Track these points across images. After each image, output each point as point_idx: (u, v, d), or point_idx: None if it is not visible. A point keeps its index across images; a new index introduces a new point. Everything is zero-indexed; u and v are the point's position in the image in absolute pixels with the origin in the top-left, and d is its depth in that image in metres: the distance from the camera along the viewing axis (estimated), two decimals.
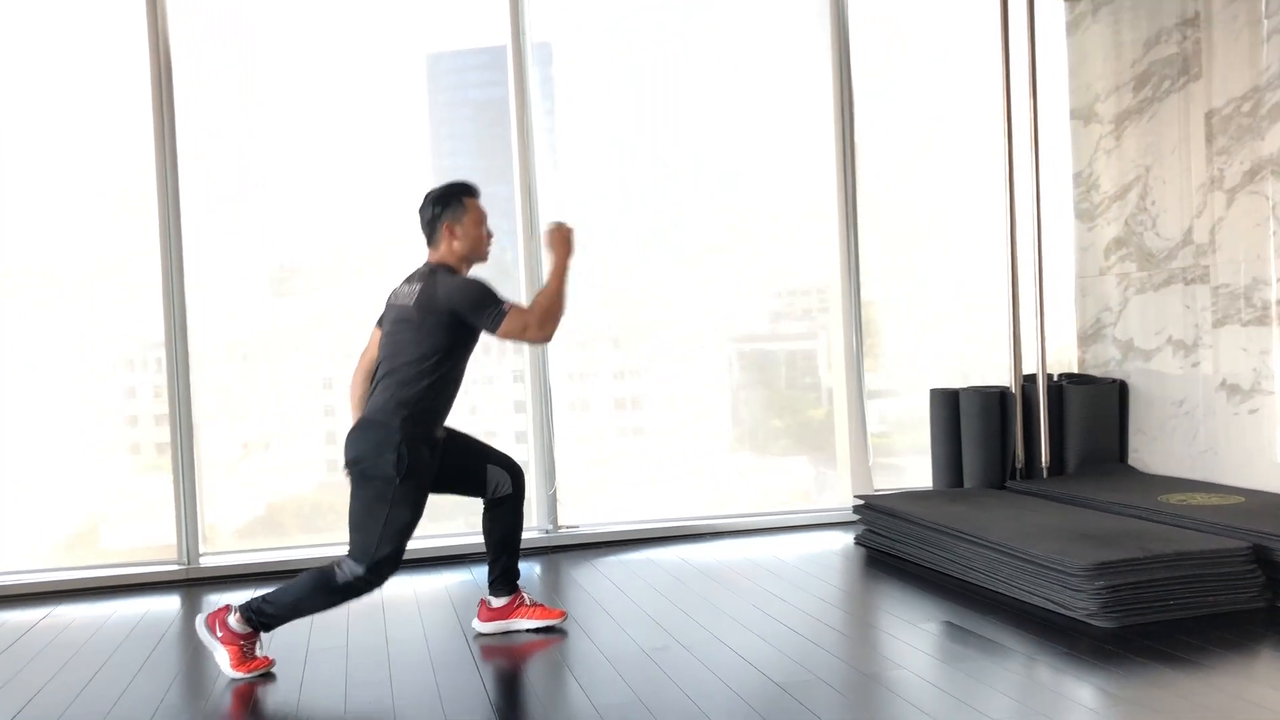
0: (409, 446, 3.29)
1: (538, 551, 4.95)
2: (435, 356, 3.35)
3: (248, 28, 4.95)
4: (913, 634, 3.57)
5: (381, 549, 3.28)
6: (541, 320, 3.34)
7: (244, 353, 4.99)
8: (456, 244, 3.49)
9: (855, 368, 5.41)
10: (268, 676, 3.34)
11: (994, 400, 5.13)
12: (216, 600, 4.28)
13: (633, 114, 5.39)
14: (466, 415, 5.14)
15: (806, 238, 5.56)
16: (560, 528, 5.09)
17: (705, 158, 5.48)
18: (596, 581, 4.42)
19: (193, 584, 4.62)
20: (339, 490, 4.97)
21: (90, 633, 3.94)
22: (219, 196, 4.88)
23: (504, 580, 3.70)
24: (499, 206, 5.08)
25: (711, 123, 5.44)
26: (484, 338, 3.47)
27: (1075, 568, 3.57)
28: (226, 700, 3.20)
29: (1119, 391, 5.21)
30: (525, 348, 5.03)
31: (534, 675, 3.41)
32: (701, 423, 5.55)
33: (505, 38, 5.06)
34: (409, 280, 3.49)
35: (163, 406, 4.74)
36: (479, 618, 3.73)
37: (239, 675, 3.32)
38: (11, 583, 4.55)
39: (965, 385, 5.33)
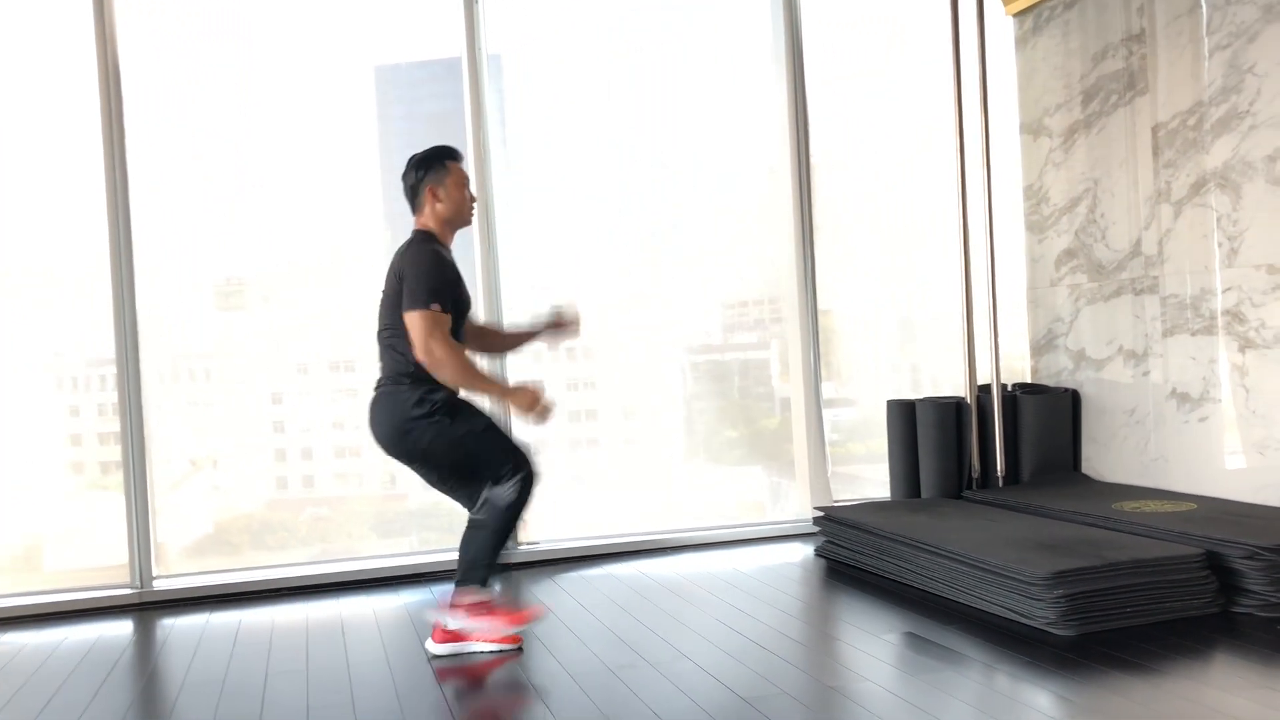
0: (428, 396, 3.45)
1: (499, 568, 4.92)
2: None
3: (200, 37, 4.89)
4: (874, 645, 3.59)
5: (504, 454, 3.49)
6: (435, 358, 3.41)
7: (191, 368, 4.91)
8: (440, 206, 3.60)
9: (812, 378, 5.44)
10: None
11: (950, 411, 5.18)
12: (173, 623, 4.23)
13: (585, 124, 5.39)
14: None
15: (758, 247, 5.59)
16: (520, 544, 5.05)
17: (658, 168, 5.50)
18: (558, 598, 4.39)
19: (145, 608, 4.53)
20: (289, 508, 5.00)
21: (40, 660, 3.85)
22: (168, 207, 4.80)
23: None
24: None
25: (665, 132, 5.47)
26: None
27: (1034, 577, 3.61)
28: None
29: (1071, 401, 5.28)
30: None
31: (499, 695, 3.39)
32: (657, 434, 5.56)
33: (459, 49, 5.05)
34: (398, 250, 3.63)
35: (106, 424, 4.66)
36: (434, 638, 3.68)
37: (512, 629, 3.59)
38: None
39: (921, 396, 5.38)
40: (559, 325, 3.85)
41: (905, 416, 5.29)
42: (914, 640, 3.60)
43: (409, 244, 3.61)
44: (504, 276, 5.10)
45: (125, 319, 4.61)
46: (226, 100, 4.94)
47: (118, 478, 4.62)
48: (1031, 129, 5.54)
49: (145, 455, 4.63)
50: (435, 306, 3.43)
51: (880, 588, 4.30)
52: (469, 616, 3.58)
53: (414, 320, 3.43)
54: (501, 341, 4.08)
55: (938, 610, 3.92)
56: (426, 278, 3.47)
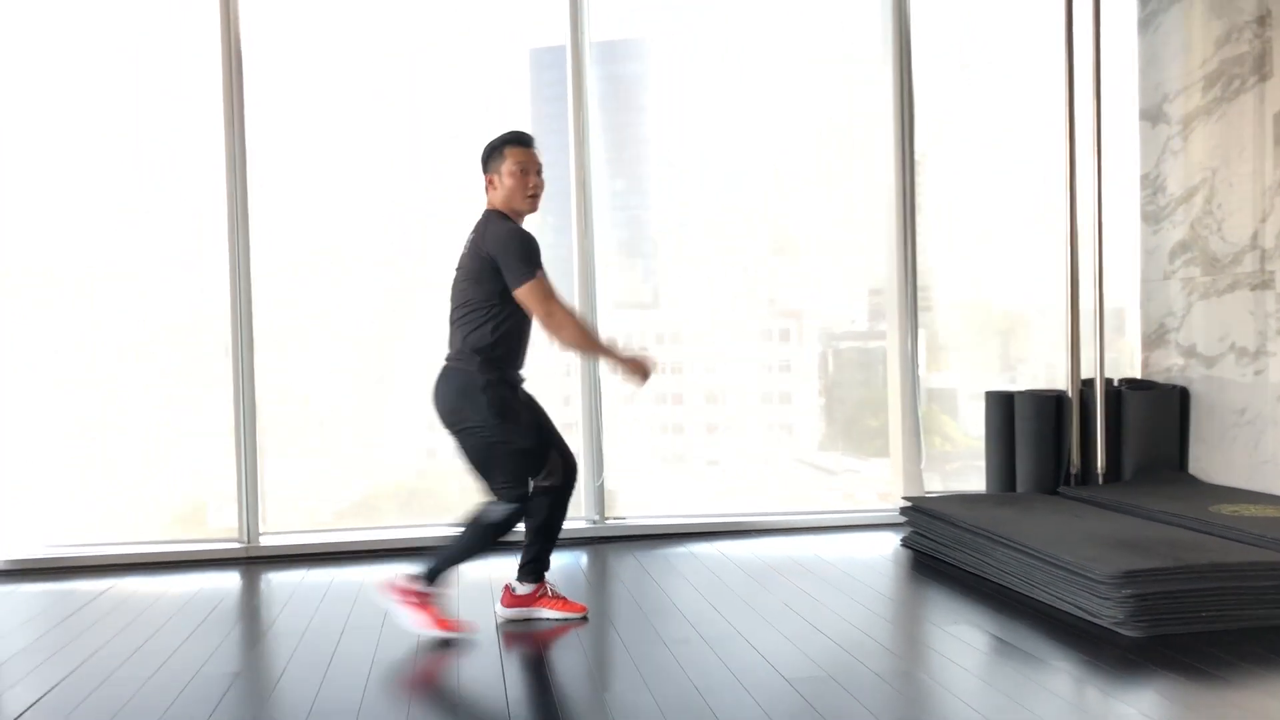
0: (493, 389, 3.50)
1: (584, 542, 5.05)
2: (492, 301, 3.53)
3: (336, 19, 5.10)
4: (932, 635, 3.57)
5: (519, 480, 3.54)
6: (555, 323, 3.47)
7: (303, 338, 5.15)
8: (498, 192, 3.64)
9: (909, 368, 5.37)
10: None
11: (1049, 404, 5.05)
12: (273, 577, 4.50)
13: (703, 109, 5.42)
14: None
15: (871, 235, 5.52)
16: (607, 519, 5.16)
17: (776, 153, 5.51)
18: (635, 573, 4.48)
19: (251, 562, 4.82)
20: (438, 477, 5.17)
21: (150, 603, 4.15)
22: (286, 180, 5.02)
23: (532, 568, 3.78)
24: (616, 200, 5.29)
25: (778, 114, 5.46)
26: None
27: (1103, 575, 3.52)
28: (264, 668, 3.36)
29: (1180, 398, 5.08)
30: None
31: (550, 659, 3.48)
32: (799, 420, 5.56)
33: (609, 32, 5.16)
34: (473, 228, 3.67)
35: (269, 394, 4.97)
36: (501, 602, 3.82)
37: (441, 633, 3.57)
38: (81, 555, 4.80)
39: (1022, 388, 5.26)
40: (634, 366, 3.62)
41: (1003, 409, 5.18)
42: (971, 632, 3.55)
43: (485, 222, 3.61)
44: (603, 263, 5.22)
45: (240, 288, 4.89)
46: (365, 82, 5.13)
47: (343, 436, 5.04)
48: (1150, 115, 5.33)
49: (255, 421, 4.91)
50: (540, 273, 3.49)
51: (956, 579, 4.25)
52: (401, 601, 3.63)
53: (527, 293, 3.45)
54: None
55: (1008, 605, 3.85)
56: (520, 249, 3.49)
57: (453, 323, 3.62)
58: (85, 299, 4.95)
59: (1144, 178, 5.38)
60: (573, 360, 5.13)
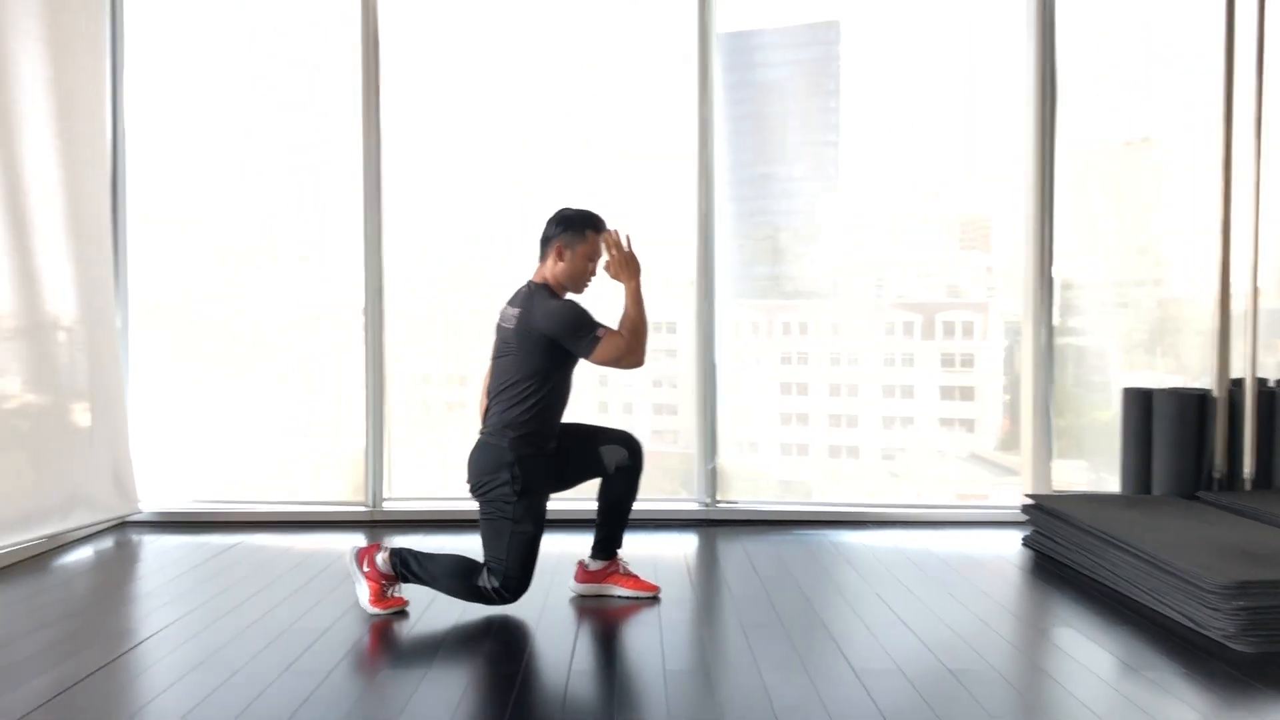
0: (521, 465, 3.48)
1: (694, 524, 5.05)
2: (535, 379, 3.51)
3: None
4: (1022, 635, 3.41)
5: (513, 567, 3.49)
6: (631, 348, 3.45)
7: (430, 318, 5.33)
8: (561, 266, 3.58)
9: (1043, 362, 5.14)
10: (401, 614, 3.62)
11: (1191, 403, 4.74)
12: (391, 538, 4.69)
13: (909, 94, 5.28)
14: (649, 388, 5.29)
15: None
16: (718, 503, 5.15)
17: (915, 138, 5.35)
18: (736, 558, 4.46)
19: (375, 525, 5.04)
20: None
21: (272, 557, 4.41)
22: (420, 175, 5.20)
23: (604, 546, 3.83)
24: (778, 187, 5.27)
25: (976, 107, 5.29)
26: None
27: (1214, 584, 3.29)
28: (350, 624, 3.52)
29: None
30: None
31: (621, 635, 3.50)
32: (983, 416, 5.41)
33: (794, 18, 5.17)
34: (511, 302, 3.63)
35: (452, 368, 5.20)
36: (575, 578, 3.87)
37: (375, 610, 3.61)
38: (217, 510, 5.14)
39: (1163, 385, 4.95)
40: (613, 274, 3.57)
41: (1142, 406, 4.90)
42: (1070, 636, 3.39)
43: (529, 299, 3.55)
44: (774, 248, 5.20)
45: (374, 269, 5.11)
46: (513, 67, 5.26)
47: (459, 415, 5.20)
48: None
49: (384, 394, 5.13)
50: (602, 328, 3.45)
51: (1069, 582, 4.06)
52: (359, 566, 3.67)
53: (603, 353, 3.43)
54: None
55: (1117, 610, 3.65)
56: (577, 319, 3.46)
57: (492, 398, 3.60)
58: (233, 274, 5.28)
59: None
60: (679, 344, 5.16)
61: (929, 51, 5.26)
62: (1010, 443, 5.34)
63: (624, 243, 3.60)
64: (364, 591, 3.64)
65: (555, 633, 3.44)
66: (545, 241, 3.64)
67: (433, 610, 3.65)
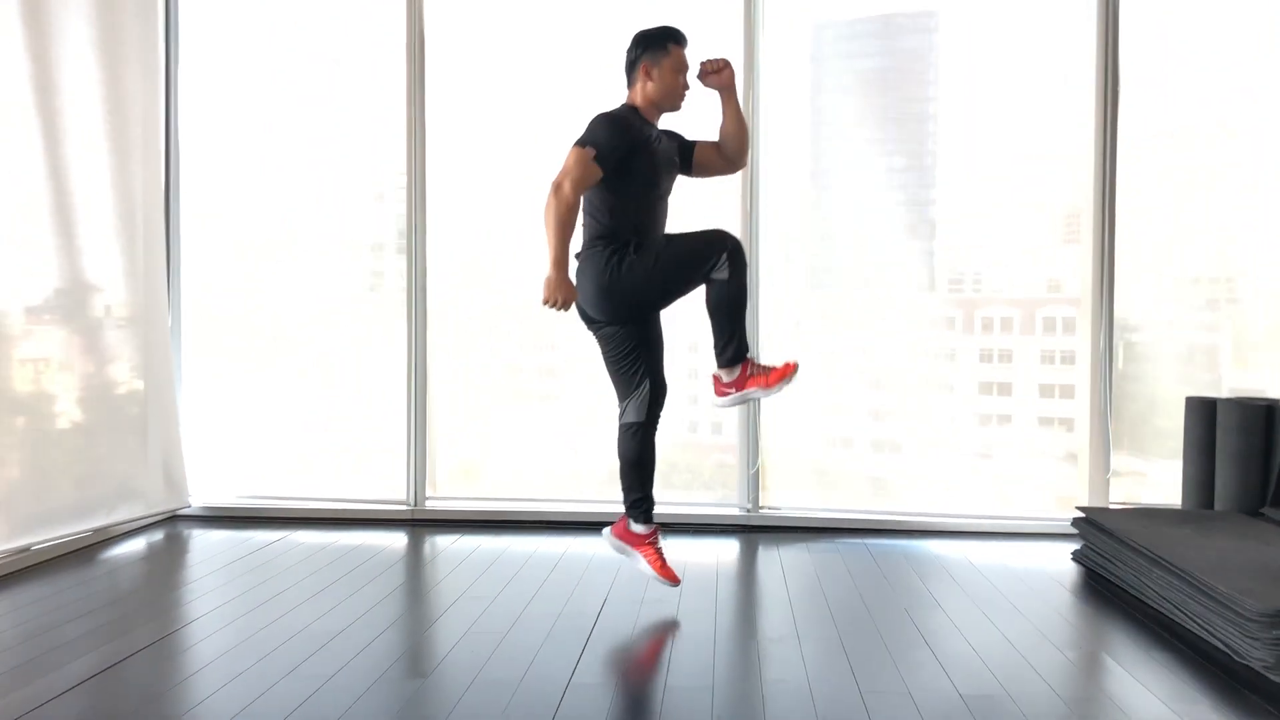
0: (617, 258, 3.51)
1: (733, 529, 4.98)
2: (600, 189, 3.52)
3: None
4: (1043, 658, 3.26)
5: (641, 383, 3.66)
6: (555, 200, 3.38)
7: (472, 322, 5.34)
8: (650, 85, 3.60)
9: (1103, 365, 4.94)
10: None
11: (1258, 414, 4.50)
12: (433, 539, 4.72)
13: (1012, 86, 5.11)
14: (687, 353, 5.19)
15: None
16: (761, 508, 5.06)
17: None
18: (770, 566, 4.38)
19: (416, 523, 5.08)
20: (697, 451, 5.26)
21: (310, 553, 4.48)
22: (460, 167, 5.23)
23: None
24: (897, 178, 5.13)
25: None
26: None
27: (1253, 611, 3.11)
28: (376, 619, 3.54)
29: None
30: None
31: (635, 646, 3.45)
32: (1048, 414, 5.22)
33: (893, 6, 5.06)
34: None
35: (546, 359, 5.26)
36: (716, 393, 3.71)
37: (663, 580, 3.73)
38: (262, 506, 5.23)
39: (1227, 395, 4.72)
40: (549, 285, 3.47)
41: (1205, 416, 4.67)
42: (1094, 660, 3.23)
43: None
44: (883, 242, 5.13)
45: (416, 270, 5.14)
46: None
47: (552, 407, 5.28)
48: None
49: (426, 390, 5.16)
50: (590, 150, 3.43)
51: (1112, 600, 3.88)
52: (624, 543, 3.82)
53: (566, 161, 3.45)
54: (724, 138, 3.84)
55: (1157, 634, 3.48)
56: (597, 125, 3.49)
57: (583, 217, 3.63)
58: (274, 270, 5.36)
59: None
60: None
61: (1030, 39, 5.07)
62: (1116, 443, 5.08)
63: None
64: (645, 563, 3.75)
65: (569, 641, 3.41)
66: (630, 66, 3.63)
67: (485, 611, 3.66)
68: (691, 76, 3.70)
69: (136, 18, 4.90)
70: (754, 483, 5.06)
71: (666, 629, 3.56)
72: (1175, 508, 4.72)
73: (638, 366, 3.69)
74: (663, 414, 3.78)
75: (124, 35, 4.81)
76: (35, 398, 4.43)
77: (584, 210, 3.60)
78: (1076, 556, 4.46)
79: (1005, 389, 5.18)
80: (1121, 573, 4.03)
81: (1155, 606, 3.72)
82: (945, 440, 5.17)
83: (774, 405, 5.08)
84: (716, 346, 3.65)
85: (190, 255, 5.28)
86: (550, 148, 5.09)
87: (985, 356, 5.16)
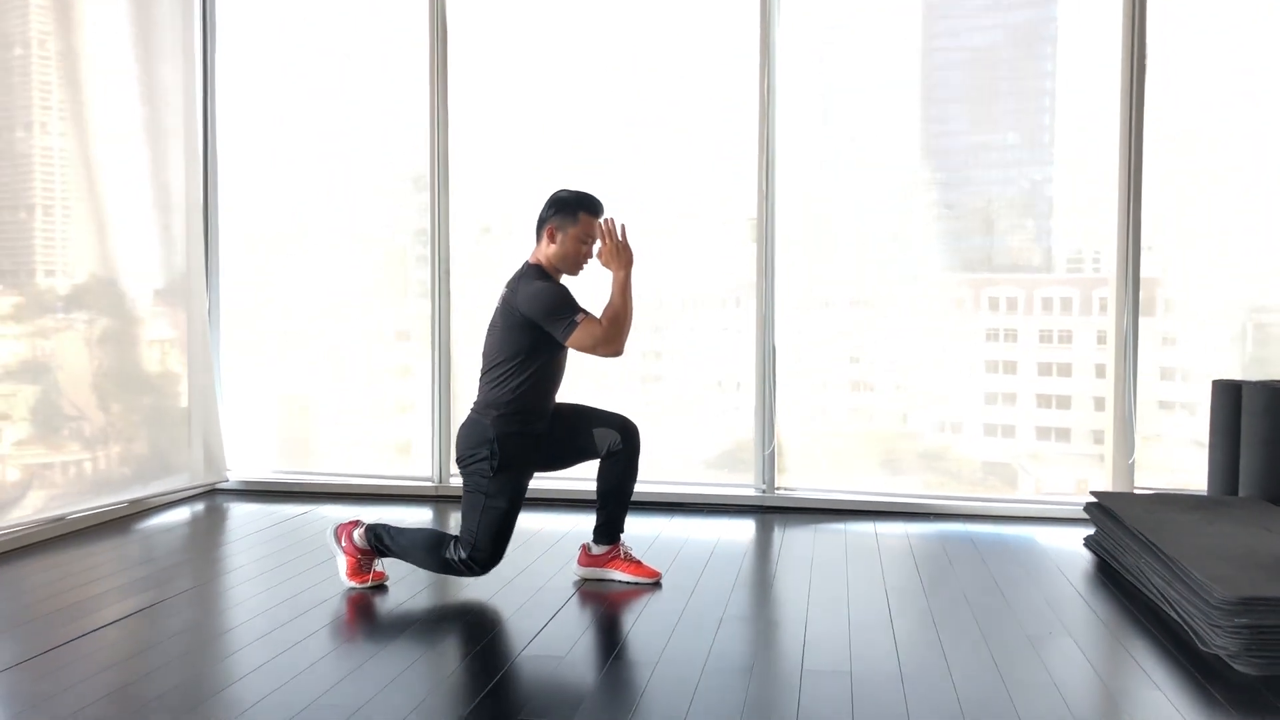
0: (501, 443, 3.52)
1: (751, 510, 5.01)
2: (519, 358, 3.53)
3: None
4: (1008, 643, 3.22)
5: (481, 540, 3.55)
6: (608, 336, 3.44)
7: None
8: (553, 248, 3.59)
9: (1129, 350, 4.81)
10: (380, 589, 3.76)
11: None
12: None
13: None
14: (710, 364, 5.23)
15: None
16: (777, 489, 5.08)
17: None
18: (767, 547, 4.41)
19: (440, 499, 5.24)
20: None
21: (326, 527, 4.65)
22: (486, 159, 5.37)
23: (606, 530, 3.86)
24: (991, 156, 5.09)
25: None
26: None
27: (1219, 599, 3.03)
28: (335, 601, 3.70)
29: None
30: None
31: (600, 622, 3.49)
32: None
33: None
34: (508, 282, 3.64)
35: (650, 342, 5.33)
36: (579, 561, 3.91)
37: (353, 584, 3.75)
38: (293, 481, 5.46)
39: (1256, 378, 4.55)
40: (604, 261, 3.58)
41: (1232, 400, 4.51)
42: (1051, 644, 3.19)
43: (519, 279, 3.59)
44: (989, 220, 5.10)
45: (440, 263, 5.29)
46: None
47: (655, 391, 5.36)
48: None
49: (450, 368, 5.31)
50: (581, 314, 3.45)
51: (1112, 587, 3.81)
52: (337, 541, 3.79)
53: (579, 339, 3.45)
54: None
55: (1138, 619, 3.41)
56: (555, 301, 3.47)
57: (480, 376, 3.66)
58: (310, 260, 5.59)
59: None
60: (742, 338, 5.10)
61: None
62: None
63: (618, 232, 3.60)
64: (342, 564, 3.79)
65: (540, 609, 3.51)
66: (540, 223, 3.65)
67: (412, 589, 3.80)
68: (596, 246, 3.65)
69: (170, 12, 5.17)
70: (770, 463, 5.07)
71: (634, 605, 3.63)
72: (1196, 494, 4.58)
73: (482, 527, 3.59)
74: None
75: (160, 29, 5.08)
76: (100, 377, 4.83)
77: (492, 366, 3.59)
78: (1087, 542, 4.37)
79: (1059, 369, 5.06)
80: (1123, 558, 3.95)
81: (1146, 593, 3.64)
82: (979, 419, 5.11)
83: (796, 387, 5.11)
84: (598, 521, 3.85)
85: (227, 241, 5.53)
86: (568, 141, 5.25)
87: (1102, 339, 5.00)
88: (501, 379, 3.57)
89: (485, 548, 3.56)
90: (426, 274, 5.34)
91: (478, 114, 5.32)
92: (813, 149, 5.12)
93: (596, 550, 3.89)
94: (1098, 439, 5.01)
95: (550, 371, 3.64)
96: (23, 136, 4.55)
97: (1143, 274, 4.80)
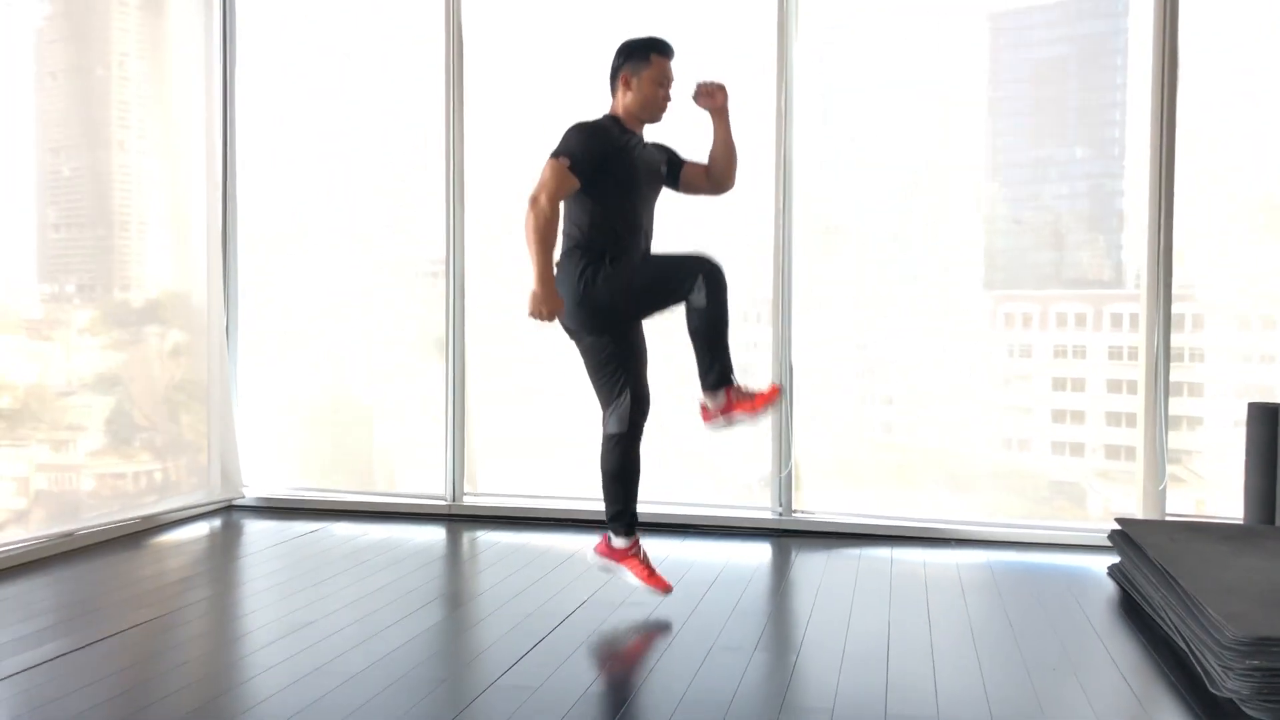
0: (591, 270, 3.48)
1: (767, 533, 4.89)
2: (578, 198, 3.49)
3: None
4: (1008, 676, 3.07)
5: (622, 393, 3.57)
6: (532, 213, 3.38)
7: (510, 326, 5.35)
8: (630, 96, 3.58)
9: (1160, 370, 4.61)
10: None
11: None
12: (474, 535, 4.84)
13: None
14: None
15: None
16: (794, 512, 4.95)
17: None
18: (780, 574, 4.29)
19: (454, 518, 5.19)
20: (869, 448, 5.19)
21: (338, 544, 4.66)
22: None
23: (708, 377, 3.64)
24: (1056, 170, 4.96)
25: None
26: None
27: (1230, 638, 2.85)
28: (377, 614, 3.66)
29: None
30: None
31: (581, 650, 3.40)
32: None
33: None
34: None
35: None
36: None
37: (652, 589, 3.70)
38: (305, 498, 5.44)
39: None
40: (534, 297, 3.45)
41: (1268, 423, 4.30)
42: (1064, 687, 3.03)
43: None
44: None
45: (455, 282, 5.25)
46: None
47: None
48: None
49: (465, 388, 5.26)
50: (564, 160, 3.41)
51: (1132, 620, 3.64)
52: (609, 560, 3.76)
53: (543, 167, 3.44)
54: (711, 161, 3.81)
55: (1153, 656, 3.24)
56: (571, 135, 3.47)
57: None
58: (318, 266, 5.58)
59: None
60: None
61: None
62: None
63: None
64: (631, 577, 3.72)
65: (526, 631, 3.43)
66: (612, 75, 3.62)
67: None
68: (677, 89, 3.65)
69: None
70: (786, 485, 4.95)
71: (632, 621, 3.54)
72: (1230, 522, 4.37)
73: (618, 377, 3.63)
74: (646, 424, 3.70)
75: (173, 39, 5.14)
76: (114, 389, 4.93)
77: (564, 218, 3.57)
78: (1111, 572, 4.19)
79: (1196, 389, 4.83)
80: (1144, 589, 3.76)
81: (1165, 629, 3.46)
82: (1003, 446, 4.94)
83: (812, 407, 4.98)
84: (699, 372, 3.62)
85: (244, 253, 5.54)
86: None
87: (1178, 355, 4.75)
88: (571, 220, 3.55)
89: (635, 397, 3.58)
90: (441, 287, 5.31)
91: (492, 116, 5.28)
92: (816, 152, 5.00)
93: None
94: (1173, 459, 4.74)
95: (621, 211, 3.55)
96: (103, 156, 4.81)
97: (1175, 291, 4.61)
